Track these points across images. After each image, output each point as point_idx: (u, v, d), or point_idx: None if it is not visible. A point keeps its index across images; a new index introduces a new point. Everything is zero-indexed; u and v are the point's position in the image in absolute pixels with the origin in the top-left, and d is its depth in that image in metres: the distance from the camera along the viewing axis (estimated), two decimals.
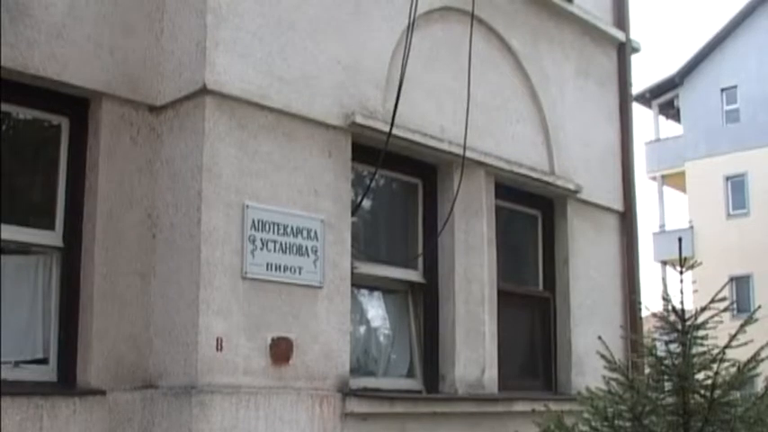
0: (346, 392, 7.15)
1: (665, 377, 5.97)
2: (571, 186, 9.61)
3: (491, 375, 8.46)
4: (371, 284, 8.10)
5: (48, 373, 6.57)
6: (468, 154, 8.26)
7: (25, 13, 6.36)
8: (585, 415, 5.91)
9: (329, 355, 7.11)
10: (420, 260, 8.39)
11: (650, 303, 6.76)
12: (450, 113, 8.31)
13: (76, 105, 6.75)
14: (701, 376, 5.84)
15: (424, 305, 8.39)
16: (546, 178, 9.34)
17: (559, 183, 9.49)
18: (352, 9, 7.63)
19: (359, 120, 7.41)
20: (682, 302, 6.00)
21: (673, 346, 5.98)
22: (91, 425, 6.44)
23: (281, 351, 6.79)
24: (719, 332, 5.94)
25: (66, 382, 6.56)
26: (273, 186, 6.88)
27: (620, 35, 10.69)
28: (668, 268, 39.07)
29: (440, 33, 8.44)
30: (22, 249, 6.59)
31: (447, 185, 8.43)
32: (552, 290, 9.70)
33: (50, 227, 6.67)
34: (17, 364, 6.46)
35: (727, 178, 38.98)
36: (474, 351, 8.34)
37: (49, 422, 6.26)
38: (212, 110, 6.61)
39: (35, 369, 6.53)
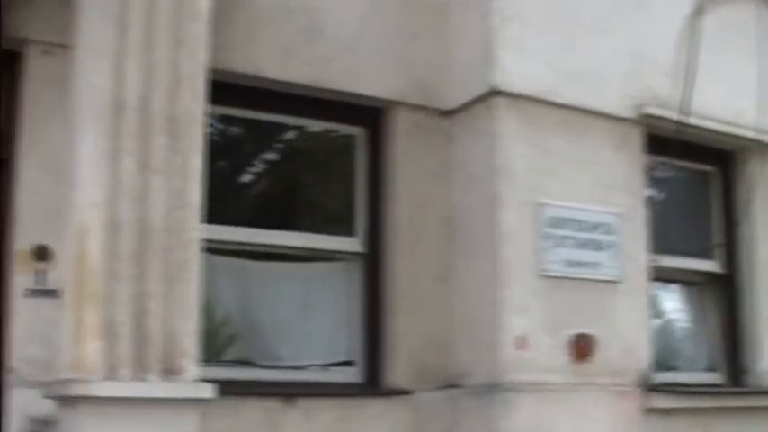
0: (648, 387, 6.90)
1: None
2: None
3: None
4: (669, 277, 7.77)
5: (354, 374, 6.67)
6: (766, 138, 7.82)
7: (319, 31, 6.52)
8: None
9: (629, 351, 6.87)
10: (719, 251, 8.02)
11: None
12: (742, 97, 7.84)
13: (371, 115, 6.85)
14: None
15: (724, 296, 8.01)
16: None
17: None
18: None
19: (649, 110, 7.15)
20: None
21: None
22: (397, 424, 6.49)
23: (581, 347, 6.63)
24: None
25: (373, 383, 6.64)
26: (567, 183, 6.73)
27: None
28: None
29: (726, 15, 7.97)
30: (326, 256, 6.75)
31: (744, 172, 8.02)
32: None
33: (351, 234, 6.79)
34: (326, 366, 6.63)
35: None
36: None
37: (357, 422, 6.36)
38: (503, 110, 6.53)
39: (343, 371, 6.66)
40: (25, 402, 5.35)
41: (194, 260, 4.66)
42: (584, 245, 6.73)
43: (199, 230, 4.70)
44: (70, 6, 5.09)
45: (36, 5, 5.71)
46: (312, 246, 6.65)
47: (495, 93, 6.53)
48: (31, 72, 5.72)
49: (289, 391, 6.17)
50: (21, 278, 5.55)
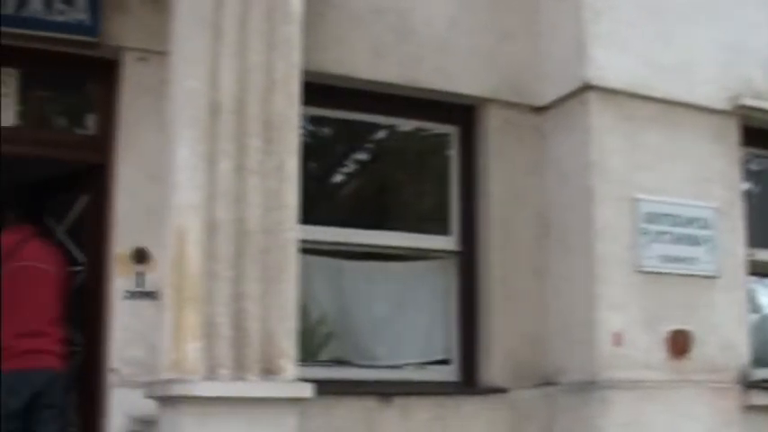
0: (747, 384, 6.73)
1: None
2: None
3: None
4: (766, 271, 7.56)
5: (451, 373, 6.65)
6: None
7: (410, 30, 6.51)
8: None
9: (727, 347, 6.71)
10: None
11: None
12: None
13: (463, 113, 6.82)
14: None
15: None
16: None
17: None
18: None
19: (745, 102, 6.97)
20: None
21: None
22: (493, 422, 6.44)
23: (678, 344, 6.49)
24: None
25: (469, 382, 6.61)
26: (662, 177, 6.60)
27: None
28: None
29: None
30: (421, 255, 6.75)
31: None
32: None
33: (446, 232, 6.76)
34: (422, 365, 6.62)
35: None
36: None
37: (453, 420, 6.33)
38: (596, 105, 6.45)
39: (439, 370, 6.65)
40: (126, 402, 5.43)
41: (291, 261, 4.67)
42: (680, 240, 6.60)
43: (296, 231, 4.71)
44: (165, 14, 5.16)
45: (131, 14, 5.80)
46: (408, 245, 6.66)
47: (587, 88, 6.45)
48: (127, 79, 5.81)
49: (385, 390, 6.18)
50: (120, 281, 5.63)
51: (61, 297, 5.87)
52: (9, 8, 5.55)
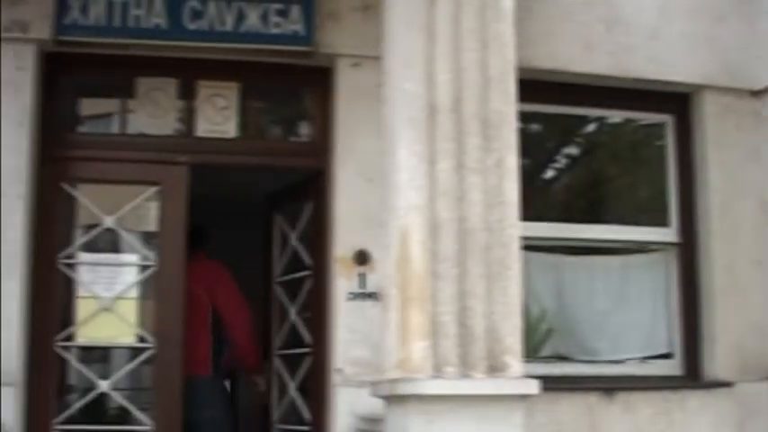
0: None
1: None
2: None
3: None
4: None
5: (674, 367, 6.49)
6: None
7: (619, 20, 6.40)
8: None
9: None
10: None
11: None
12: None
13: (678, 101, 6.64)
14: None
15: None
16: None
17: None
18: None
19: None
20: None
21: None
22: (719, 417, 6.24)
23: None
24: None
25: (693, 376, 6.43)
26: None
27: None
28: None
29: None
30: (641, 248, 6.62)
31: None
32: None
33: (665, 224, 6.61)
34: (644, 359, 6.50)
35: None
36: None
37: (677, 415, 6.17)
38: None
39: (661, 364, 6.51)
40: (350, 401, 5.57)
41: (514, 257, 4.60)
42: None
43: (518, 228, 4.65)
44: (376, 19, 5.21)
45: (342, 22, 5.92)
46: (627, 238, 6.56)
47: None
48: (341, 85, 5.92)
49: (607, 385, 6.10)
50: (343, 282, 5.74)
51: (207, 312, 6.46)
52: (228, 24, 5.78)
